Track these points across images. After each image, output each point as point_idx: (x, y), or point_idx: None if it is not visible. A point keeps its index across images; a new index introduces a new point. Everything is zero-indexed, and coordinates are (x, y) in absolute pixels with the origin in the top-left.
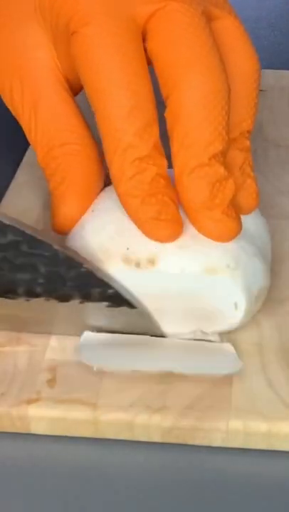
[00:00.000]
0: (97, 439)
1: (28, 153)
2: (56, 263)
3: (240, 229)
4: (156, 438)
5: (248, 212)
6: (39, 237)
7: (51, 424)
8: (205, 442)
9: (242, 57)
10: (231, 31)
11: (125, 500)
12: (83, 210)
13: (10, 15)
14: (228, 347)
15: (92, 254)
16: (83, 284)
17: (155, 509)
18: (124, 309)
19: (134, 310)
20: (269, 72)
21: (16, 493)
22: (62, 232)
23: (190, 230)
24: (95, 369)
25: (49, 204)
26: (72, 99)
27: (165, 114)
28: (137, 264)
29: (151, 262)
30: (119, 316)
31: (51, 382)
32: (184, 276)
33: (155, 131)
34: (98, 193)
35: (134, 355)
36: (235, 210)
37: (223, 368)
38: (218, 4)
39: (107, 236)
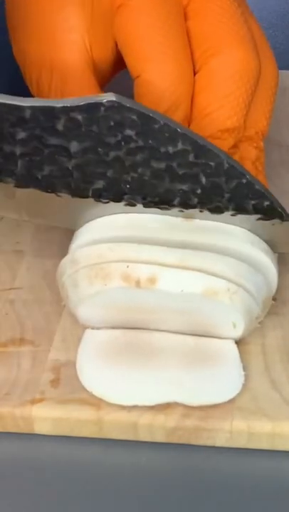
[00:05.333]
0: (101, 439)
1: None
2: (219, 173)
3: None
4: (160, 438)
5: None
6: (209, 147)
7: (55, 424)
8: (209, 442)
9: (264, 62)
10: (256, 37)
11: (129, 500)
12: None
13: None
14: (232, 353)
15: (94, 264)
16: (241, 196)
17: (159, 509)
18: (273, 222)
19: (284, 223)
20: None
21: (19, 494)
22: None
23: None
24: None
25: None
26: (98, 85)
27: (195, 78)
28: (137, 283)
29: (152, 281)
30: (264, 228)
31: (55, 382)
32: (184, 296)
33: (189, 103)
34: None
35: (134, 384)
36: None
37: (226, 388)
38: (248, 10)
39: (107, 247)
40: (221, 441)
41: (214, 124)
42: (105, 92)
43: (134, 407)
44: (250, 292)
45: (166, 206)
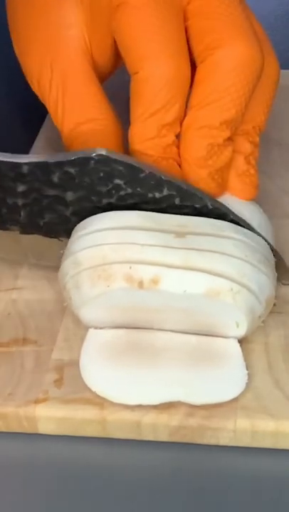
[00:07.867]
0: (105, 438)
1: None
2: (206, 213)
3: (220, 195)
4: (164, 437)
5: (244, 198)
6: (192, 191)
7: (58, 424)
8: (212, 441)
9: (266, 58)
10: (258, 33)
11: (133, 499)
12: None
13: None
14: (235, 352)
15: (97, 265)
16: None
17: (162, 508)
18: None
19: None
20: None
21: (22, 493)
22: None
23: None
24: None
25: None
26: (97, 79)
27: (197, 68)
28: (140, 284)
29: (155, 282)
30: None
31: (58, 382)
32: (187, 296)
33: (183, 103)
34: None
35: (138, 383)
36: (223, 179)
37: (229, 387)
38: (248, 9)
39: (110, 248)
40: (224, 440)
41: (214, 115)
42: (105, 87)
43: (138, 407)
44: (253, 292)
45: None
